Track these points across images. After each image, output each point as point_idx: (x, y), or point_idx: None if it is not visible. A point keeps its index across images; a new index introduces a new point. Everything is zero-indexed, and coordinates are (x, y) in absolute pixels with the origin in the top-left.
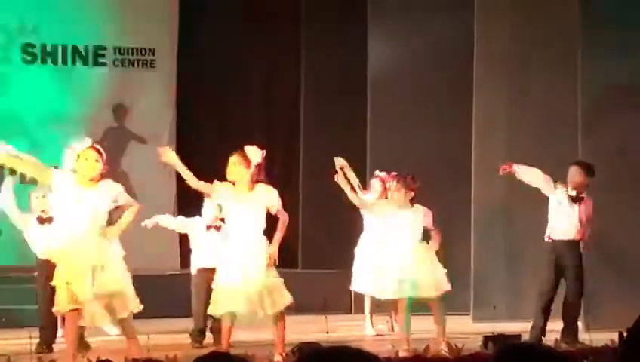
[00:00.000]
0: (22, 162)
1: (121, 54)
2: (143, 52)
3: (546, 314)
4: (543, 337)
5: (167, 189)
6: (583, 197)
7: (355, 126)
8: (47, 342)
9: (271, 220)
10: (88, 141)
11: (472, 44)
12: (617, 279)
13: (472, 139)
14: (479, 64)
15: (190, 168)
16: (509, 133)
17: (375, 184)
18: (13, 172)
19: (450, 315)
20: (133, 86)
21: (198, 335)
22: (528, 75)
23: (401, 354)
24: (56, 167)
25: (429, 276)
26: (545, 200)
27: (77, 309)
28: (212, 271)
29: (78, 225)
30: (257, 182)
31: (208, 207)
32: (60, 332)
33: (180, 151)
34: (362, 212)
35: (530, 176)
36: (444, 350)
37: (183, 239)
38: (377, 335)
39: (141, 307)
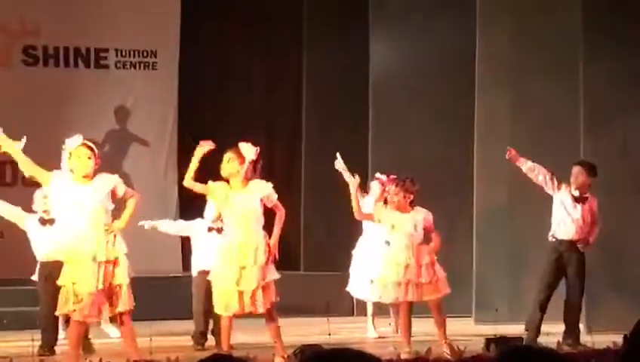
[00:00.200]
0: (23, 159)
1: (122, 56)
2: (145, 54)
3: (542, 309)
4: (538, 333)
5: (169, 191)
6: (586, 197)
7: (357, 129)
8: (48, 345)
9: (270, 218)
10: (79, 139)
11: (473, 47)
12: (619, 281)
13: (474, 142)
14: (481, 67)
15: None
16: (511, 135)
17: (374, 187)
18: None
19: (452, 317)
20: (135, 88)
21: (200, 337)
22: (530, 77)
23: (403, 357)
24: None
25: (429, 280)
26: (546, 202)
27: (81, 311)
28: None
29: (80, 224)
30: (251, 179)
31: (211, 207)
32: (62, 334)
33: (182, 153)
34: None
35: (534, 172)
36: (446, 352)
37: (185, 241)
38: (379, 337)
39: (132, 304)
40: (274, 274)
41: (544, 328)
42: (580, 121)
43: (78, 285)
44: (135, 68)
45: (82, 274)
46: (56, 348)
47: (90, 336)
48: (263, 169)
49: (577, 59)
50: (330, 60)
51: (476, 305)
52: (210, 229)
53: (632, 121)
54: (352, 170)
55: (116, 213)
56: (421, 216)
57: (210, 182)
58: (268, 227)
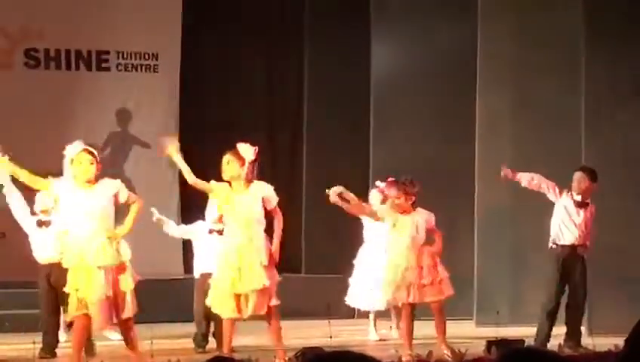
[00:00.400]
0: (27, 176)
1: (124, 59)
2: (147, 56)
3: (551, 320)
4: (548, 341)
5: (170, 193)
6: (587, 203)
7: (358, 129)
8: (50, 348)
9: (270, 221)
10: (81, 144)
11: (474, 46)
12: (620, 284)
13: (476, 144)
14: (482, 66)
15: (193, 173)
16: (512, 135)
17: (375, 195)
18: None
19: (453, 320)
20: (136, 90)
21: (201, 339)
22: (532, 78)
23: (404, 359)
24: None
25: (433, 282)
26: (548, 204)
27: (85, 314)
28: None
29: (83, 230)
30: (252, 180)
31: (212, 208)
32: (63, 337)
33: (183, 156)
34: (364, 222)
35: (534, 182)
36: (447, 354)
37: (186, 244)
38: (380, 340)
39: (136, 309)
40: (275, 277)
41: None
42: (581, 120)
43: (83, 292)
44: (136, 70)
45: (87, 280)
46: (57, 350)
47: (92, 337)
48: (263, 170)
49: (579, 57)
50: (331, 61)
51: (477, 308)
52: (211, 231)
53: (633, 120)
54: (353, 171)
55: (120, 217)
56: (423, 217)
57: (212, 181)
58: (269, 230)
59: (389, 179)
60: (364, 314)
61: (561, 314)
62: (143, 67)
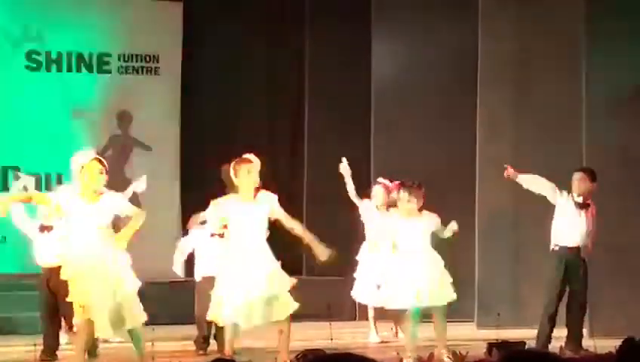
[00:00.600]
0: (33, 196)
1: (125, 61)
2: (148, 59)
3: (551, 322)
4: (549, 343)
5: (171, 197)
6: (588, 204)
7: (359, 129)
8: (50, 350)
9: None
10: (92, 153)
11: (475, 45)
12: (622, 286)
13: (477, 145)
14: (483, 68)
15: (194, 175)
16: (513, 134)
17: (378, 191)
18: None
19: (454, 322)
20: (137, 93)
21: (202, 342)
22: (533, 78)
23: None
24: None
25: (438, 286)
26: (550, 205)
27: (89, 319)
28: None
29: (87, 240)
30: (258, 189)
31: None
32: (64, 339)
33: (184, 158)
34: (364, 220)
35: (535, 184)
36: (447, 356)
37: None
38: (381, 342)
39: (145, 318)
40: (286, 283)
41: None
42: (581, 120)
43: (86, 299)
44: (137, 73)
45: (90, 289)
46: (58, 353)
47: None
48: (263, 171)
49: (579, 57)
50: (331, 60)
51: (478, 310)
52: (212, 235)
53: (633, 120)
54: (355, 171)
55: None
56: (431, 220)
57: (212, 201)
58: (274, 238)
59: (395, 182)
60: (365, 316)
61: (562, 315)
62: (144, 69)
